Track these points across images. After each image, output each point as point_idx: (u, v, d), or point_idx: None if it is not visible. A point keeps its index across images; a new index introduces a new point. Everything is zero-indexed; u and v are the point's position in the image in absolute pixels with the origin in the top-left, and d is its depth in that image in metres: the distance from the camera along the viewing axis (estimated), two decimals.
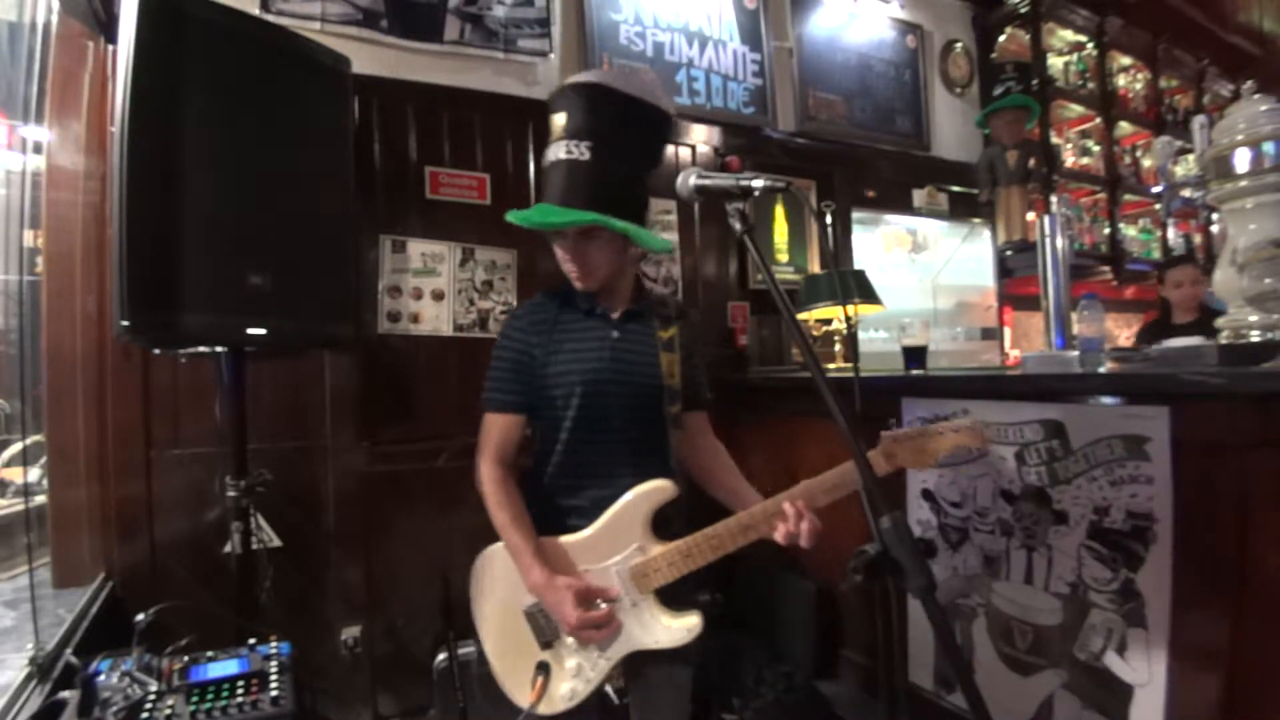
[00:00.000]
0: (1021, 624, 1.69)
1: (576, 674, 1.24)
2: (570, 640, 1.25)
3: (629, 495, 1.25)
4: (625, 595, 1.24)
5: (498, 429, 1.30)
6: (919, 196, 3.52)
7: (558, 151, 1.19)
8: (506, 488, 1.28)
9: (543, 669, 1.23)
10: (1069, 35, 4.02)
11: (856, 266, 3.05)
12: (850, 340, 2.68)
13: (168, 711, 1.25)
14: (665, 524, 1.26)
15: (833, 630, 2.30)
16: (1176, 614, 1.38)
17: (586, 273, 1.25)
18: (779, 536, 1.15)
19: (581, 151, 1.18)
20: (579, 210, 1.17)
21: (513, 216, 1.21)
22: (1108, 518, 1.49)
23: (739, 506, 1.26)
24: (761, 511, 1.18)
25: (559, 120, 1.20)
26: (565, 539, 1.27)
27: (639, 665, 1.28)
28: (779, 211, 3.11)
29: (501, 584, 1.29)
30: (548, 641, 1.26)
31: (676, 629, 1.24)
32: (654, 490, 1.25)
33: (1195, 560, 1.35)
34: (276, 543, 2.05)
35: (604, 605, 1.22)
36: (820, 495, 1.15)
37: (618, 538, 1.25)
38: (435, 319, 2.39)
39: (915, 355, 2.10)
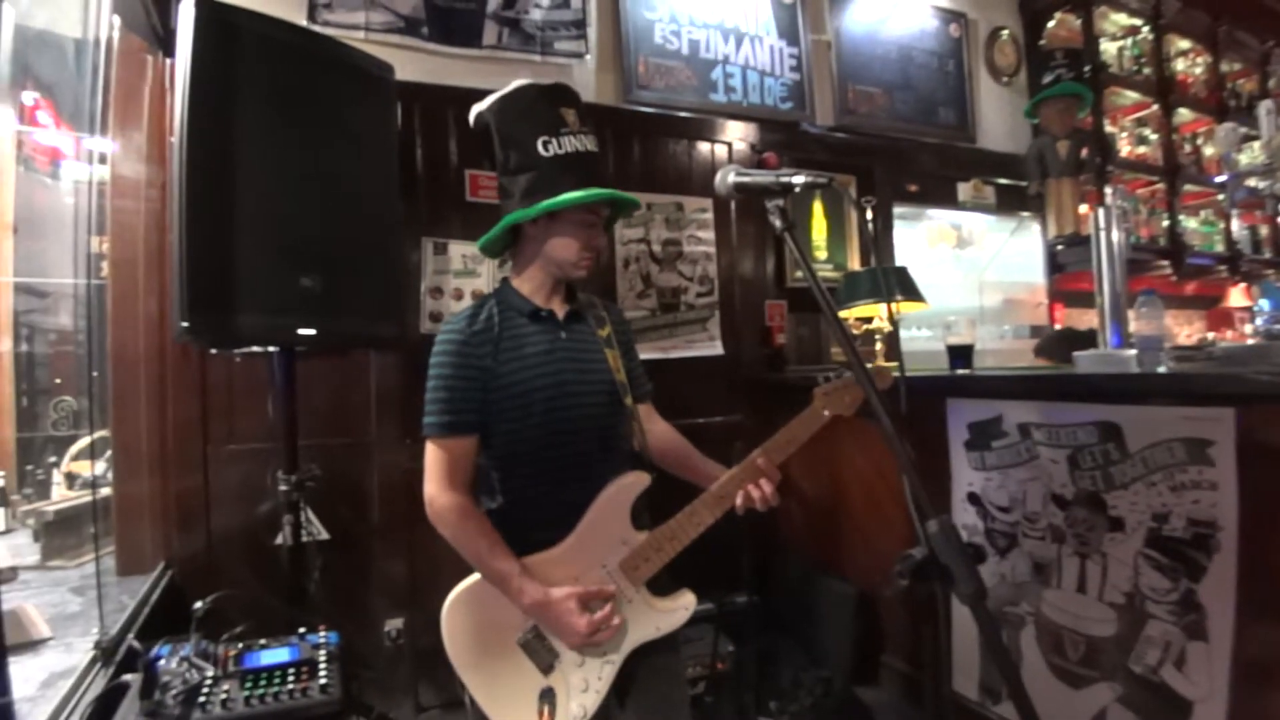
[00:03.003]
0: (1073, 634, 1.63)
1: (584, 689, 1.21)
2: (572, 656, 1.22)
3: (607, 492, 1.24)
4: (620, 592, 1.23)
5: (451, 454, 1.23)
6: (964, 190, 3.42)
7: (586, 143, 1.27)
8: (475, 516, 1.22)
9: (547, 697, 1.19)
10: (1123, 19, 3.85)
11: (898, 263, 2.98)
12: (892, 339, 2.62)
13: (223, 696, 1.30)
14: (637, 515, 1.27)
15: (873, 636, 2.26)
16: (1241, 627, 1.31)
17: (595, 260, 1.33)
18: (756, 501, 1.21)
19: (595, 144, 1.29)
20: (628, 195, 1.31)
21: (600, 194, 1.25)
22: (1167, 525, 1.43)
23: (706, 479, 1.29)
24: (730, 480, 1.23)
25: (572, 113, 1.27)
26: (544, 555, 1.22)
27: (630, 667, 1.26)
28: (817, 208, 3.07)
29: (484, 625, 1.22)
30: (549, 666, 1.22)
31: (674, 611, 1.26)
32: (631, 483, 1.26)
33: (1262, 570, 1.29)
34: (325, 536, 2.11)
35: (606, 605, 1.20)
36: (776, 454, 1.24)
37: (601, 537, 1.24)
38: None
39: (961, 354, 2.04)
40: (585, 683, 1.21)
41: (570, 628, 1.17)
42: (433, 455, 1.24)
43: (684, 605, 1.26)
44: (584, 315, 1.37)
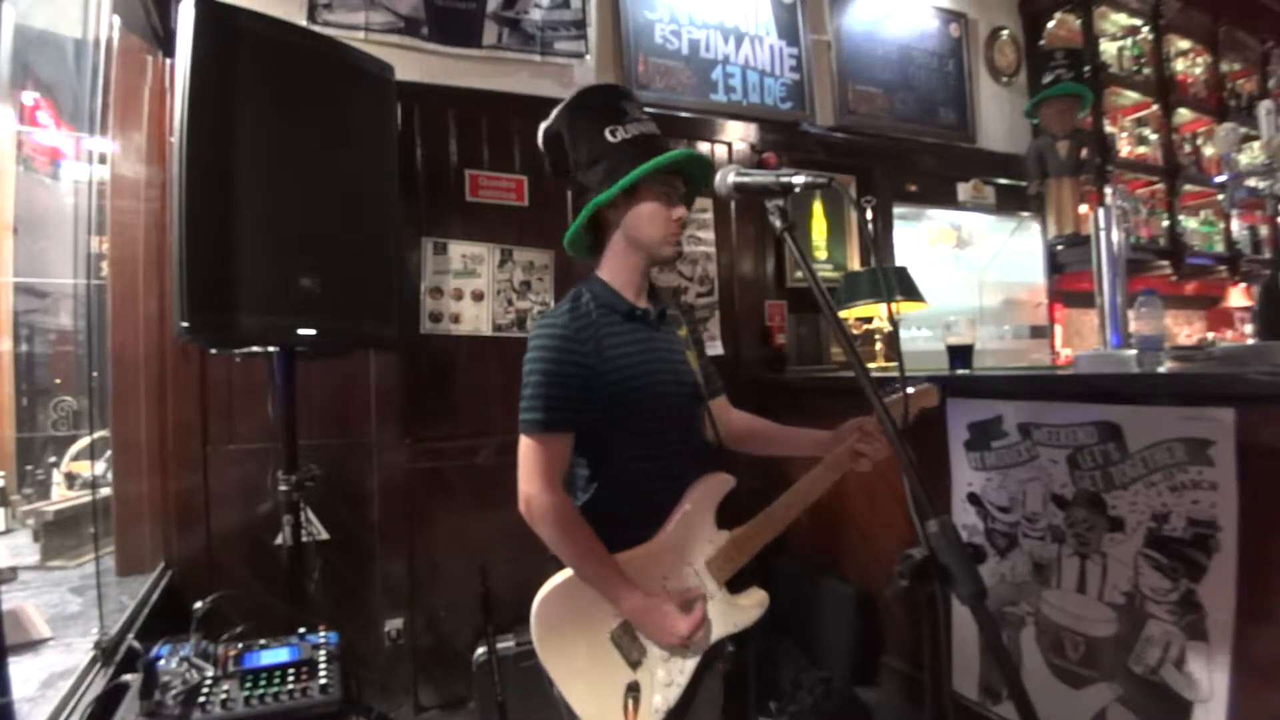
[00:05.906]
0: (1073, 634, 1.63)
1: (668, 684, 1.22)
2: (659, 652, 1.22)
3: (695, 492, 1.27)
4: (706, 590, 1.26)
5: (551, 451, 1.19)
6: (964, 190, 3.42)
7: (649, 126, 1.27)
8: (575, 517, 1.20)
9: (632, 691, 1.19)
10: (1123, 19, 3.85)
11: (898, 263, 2.98)
12: (892, 339, 2.62)
13: (223, 696, 1.30)
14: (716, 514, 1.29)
15: (873, 636, 2.26)
16: (1241, 627, 1.31)
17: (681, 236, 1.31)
18: (864, 457, 1.21)
19: (656, 129, 1.29)
20: None
21: (671, 156, 1.23)
22: (1167, 525, 1.43)
23: (800, 447, 1.34)
24: (810, 482, 1.24)
25: (631, 104, 1.28)
26: (633, 553, 1.22)
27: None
28: (817, 208, 3.07)
29: (577, 621, 1.21)
30: (636, 661, 1.22)
31: (751, 607, 1.29)
32: (718, 484, 1.28)
33: (1262, 570, 1.28)
34: (324, 536, 2.11)
35: (698, 606, 1.22)
36: (835, 470, 1.24)
37: (689, 537, 1.26)
38: (475, 319, 2.43)
39: (961, 354, 2.04)
40: (669, 677, 1.23)
41: (672, 630, 1.18)
42: (531, 453, 1.20)
43: (759, 602, 1.30)
44: (665, 315, 1.36)
